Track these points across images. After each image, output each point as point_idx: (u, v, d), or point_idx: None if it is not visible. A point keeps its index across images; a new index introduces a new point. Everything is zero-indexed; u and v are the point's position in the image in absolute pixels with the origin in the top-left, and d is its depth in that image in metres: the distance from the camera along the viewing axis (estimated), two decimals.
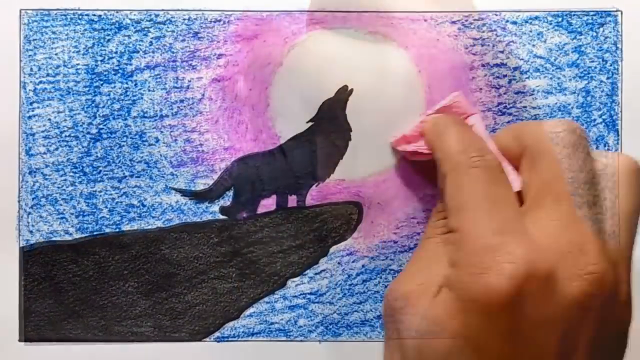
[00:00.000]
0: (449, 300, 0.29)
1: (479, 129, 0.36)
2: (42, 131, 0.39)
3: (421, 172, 0.39)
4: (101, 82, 0.39)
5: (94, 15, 0.39)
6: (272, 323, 0.40)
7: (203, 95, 0.40)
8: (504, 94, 0.39)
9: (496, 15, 0.39)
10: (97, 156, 0.40)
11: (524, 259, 0.28)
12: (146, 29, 0.39)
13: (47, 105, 0.39)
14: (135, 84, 0.39)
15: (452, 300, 0.29)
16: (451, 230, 0.31)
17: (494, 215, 0.29)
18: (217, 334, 0.40)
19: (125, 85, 0.39)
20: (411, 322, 0.30)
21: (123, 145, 0.40)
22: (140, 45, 0.39)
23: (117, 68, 0.39)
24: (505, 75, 0.39)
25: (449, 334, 0.28)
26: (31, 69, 0.39)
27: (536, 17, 0.39)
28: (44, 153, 0.39)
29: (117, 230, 0.40)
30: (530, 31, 0.39)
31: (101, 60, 0.39)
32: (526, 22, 0.39)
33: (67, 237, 0.40)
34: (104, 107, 0.39)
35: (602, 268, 0.28)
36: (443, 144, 0.33)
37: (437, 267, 0.31)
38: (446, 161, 0.33)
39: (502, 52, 0.39)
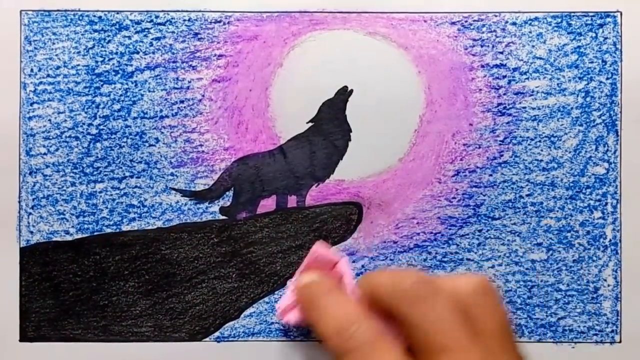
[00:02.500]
0: None
1: (347, 279, 0.35)
2: (43, 131, 0.39)
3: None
4: (101, 83, 0.39)
5: (94, 15, 0.39)
6: (271, 323, 0.40)
7: (203, 95, 0.40)
8: (504, 94, 0.39)
9: (496, 16, 0.39)
10: (97, 156, 0.40)
11: None
12: (146, 30, 0.39)
13: (48, 106, 0.39)
14: (136, 85, 0.39)
15: None
16: None
17: None
18: (216, 334, 0.40)
19: (126, 86, 0.39)
20: None
21: (123, 146, 0.40)
22: (140, 45, 0.39)
23: (117, 68, 0.39)
24: (505, 76, 0.39)
25: None
26: (31, 70, 0.39)
27: (536, 18, 0.39)
28: (44, 153, 0.40)
29: (117, 230, 0.40)
30: (530, 32, 0.39)
31: (101, 61, 0.39)
32: (526, 23, 0.39)
33: (68, 237, 0.40)
34: (104, 107, 0.40)
35: None
36: (317, 323, 0.33)
37: None
38: (326, 345, 0.32)
39: (501, 52, 0.39)
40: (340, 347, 0.31)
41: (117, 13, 0.39)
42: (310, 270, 0.36)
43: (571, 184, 0.39)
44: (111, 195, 0.40)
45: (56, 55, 0.39)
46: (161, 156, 0.40)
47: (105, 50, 0.39)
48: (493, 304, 0.30)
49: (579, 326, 0.40)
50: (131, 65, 0.39)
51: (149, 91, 0.39)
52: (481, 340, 0.29)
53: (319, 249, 0.36)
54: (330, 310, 0.32)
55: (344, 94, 0.39)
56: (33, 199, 0.39)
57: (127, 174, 0.40)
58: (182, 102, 0.40)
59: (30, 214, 0.39)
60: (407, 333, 0.30)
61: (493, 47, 0.39)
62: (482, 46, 0.39)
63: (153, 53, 0.39)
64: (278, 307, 0.37)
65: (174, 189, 0.40)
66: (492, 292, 0.31)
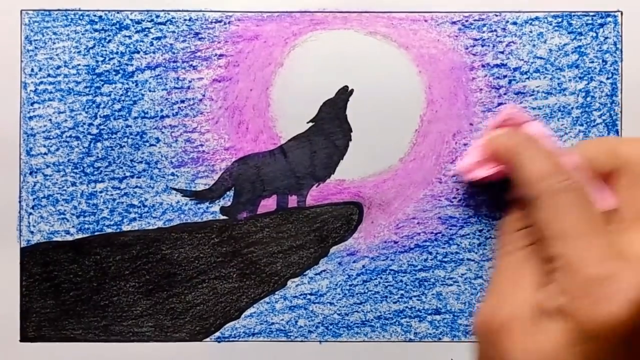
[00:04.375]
0: (561, 331, 0.28)
1: (548, 139, 0.35)
2: (43, 131, 0.39)
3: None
4: (102, 82, 0.39)
5: (95, 15, 0.39)
6: (272, 323, 0.40)
7: (204, 95, 0.40)
8: (504, 94, 0.39)
9: (496, 15, 0.39)
10: (97, 156, 0.40)
11: None
12: (147, 29, 0.39)
13: (48, 106, 0.39)
14: (136, 84, 0.39)
15: (567, 331, 0.28)
16: (552, 257, 0.30)
17: (599, 241, 0.29)
18: (217, 334, 0.40)
19: (126, 86, 0.39)
20: (512, 352, 0.29)
21: (124, 146, 0.40)
22: (141, 45, 0.39)
23: (117, 68, 0.39)
24: (505, 76, 0.39)
25: None
26: (32, 69, 0.39)
27: (536, 18, 0.39)
28: (45, 153, 0.39)
29: (118, 230, 0.40)
30: (531, 32, 0.39)
31: (102, 61, 0.39)
32: (526, 22, 0.39)
33: (68, 237, 0.40)
34: (104, 107, 0.39)
35: None
36: (524, 166, 0.32)
37: (525, 289, 0.31)
38: (531, 185, 0.32)
39: (502, 52, 0.39)
40: (554, 187, 0.31)
41: (118, 12, 0.39)
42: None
43: None
44: (112, 195, 0.40)
45: (57, 54, 0.39)
46: (162, 156, 0.40)
47: (106, 50, 0.39)
48: None
49: None
50: (132, 64, 0.39)
51: (150, 91, 0.39)
52: None
53: (510, 109, 0.37)
54: (541, 156, 0.32)
55: (345, 93, 0.39)
56: (33, 199, 0.39)
57: (128, 173, 0.40)
58: (182, 101, 0.40)
59: (30, 214, 0.39)
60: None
61: (494, 46, 0.39)
62: (482, 46, 0.39)
63: (154, 53, 0.39)
64: (460, 167, 0.38)
65: (174, 189, 0.40)
66: None
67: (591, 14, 0.39)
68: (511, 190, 0.35)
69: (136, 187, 0.40)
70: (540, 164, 0.32)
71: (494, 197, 0.40)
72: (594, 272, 0.28)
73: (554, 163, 0.32)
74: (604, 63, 0.39)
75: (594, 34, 0.39)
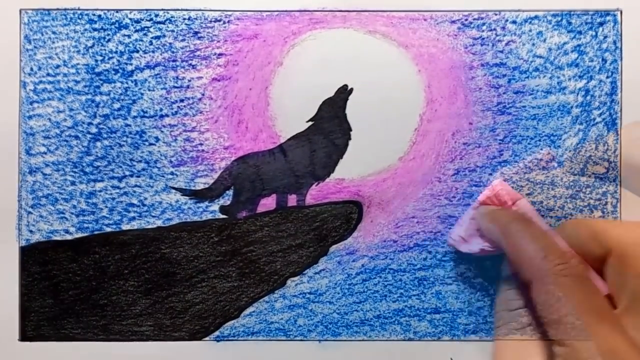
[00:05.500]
0: None
1: (537, 219, 0.35)
2: (42, 130, 0.39)
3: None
4: (101, 82, 0.39)
5: (94, 14, 0.39)
6: (271, 322, 0.40)
7: (203, 94, 0.40)
8: (504, 93, 0.39)
9: (496, 14, 0.39)
10: (97, 155, 0.40)
11: None
12: (146, 28, 0.39)
13: (47, 105, 0.39)
14: (135, 83, 0.39)
15: None
16: (553, 341, 0.30)
17: (602, 329, 0.29)
18: (216, 333, 0.40)
19: (125, 85, 0.39)
20: None
21: (123, 145, 0.40)
22: (140, 44, 0.39)
23: (117, 67, 0.39)
24: (504, 75, 0.39)
25: None
26: (31, 69, 0.39)
27: (536, 17, 0.39)
28: (44, 152, 0.39)
29: (117, 229, 0.40)
30: (530, 30, 0.39)
31: (101, 60, 0.39)
32: (526, 21, 0.39)
33: (67, 236, 0.40)
34: (104, 106, 0.39)
35: None
36: (519, 247, 0.32)
37: None
38: (531, 267, 0.31)
39: (501, 51, 0.39)
40: (551, 270, 0.30)
41: (117, 12, 0.39)
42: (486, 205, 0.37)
43: (571, 183, 0.39)
44: (111, 194, 0.40)
45: (56, 54, 0.39)
46: (161, 155, 0.40)
47: (105, 49, 0.39)
48: None
49: None
50: (131, 64, 0.39)
51: (149, 90, 0.39)
52: None
53: (500, 185, 0.36)
54: (536, 238, 0.32)
55: (344, 92, 0.39)
56: (33, 198, 0.39)
57: (127, 173, 0.40)
58: (182, 101, 0.40)
59: (30, 213, 0.39)
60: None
61: (493, 45, 0.39)
62: (482, 45, 0.39)
63: (153, 52, 0.39)
64: (453, 240, 0.38)
65: (174, 188, 0.40)
66: None
67: (591, 12, 0.39)
68: (506, 269, 0.35)
69: (135, 186, 0.40)
70: (537, 246, 0.32)
71: None
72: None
73: (552, 245, 0.32)
74: (603, 62, 0.39)
75: (594, 33, 0.39)
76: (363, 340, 0.40)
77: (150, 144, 0.40)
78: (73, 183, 0.40)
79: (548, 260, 0.31)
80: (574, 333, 0.29)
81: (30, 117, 0.39)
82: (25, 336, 0.39)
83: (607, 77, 0.39)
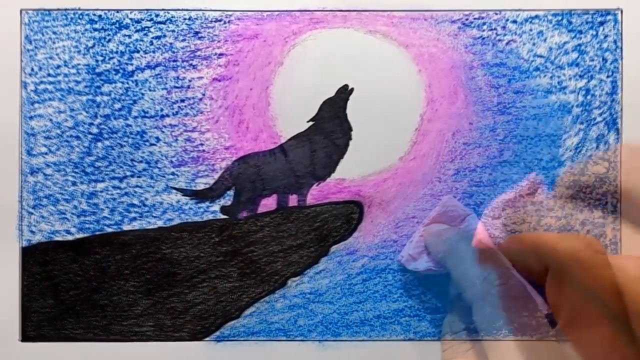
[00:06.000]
0: None
1: (483, 236, 0.35)
2: (43, 131, 0.39)
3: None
4: (102, 82, 0.39)
5: (95, 14, 0.39)
6: (272, 323, 0.40)
7: (204, 94, 0.40)
8: (504, 93, 0.39)
9: (496, 14, 0.39)
10: (98, 156, 0.40)
11: None
12: (147, 29, 0.40)
13: (48, 105, 0.39)
14: (136, 84, 0.39)
15: None
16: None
17: (534, 350, 0.29)
18: (217, 333, 0.40)
19: (126, 85, 0.39)
20: None
21: (124, 145, 0.40)
22: (140, 44, 0.39)
23: (117, 67, 0.39)
24: (505, 75, 0.39)
25: None
26: (32, 69, 0.39)
27: (536, 16, 0.39)
28: (45, 153, 0.40)
29: (118, 229, 0.40)
30: (531, 30, 0.39)
31: (102, 60, 0.39)
32: (526, 21, 0.39)
33: (68, 237, 0.40)
34: (104, 106, 0.40)
35: None
36: (462, 268, 0.32)
37: None
38: (470, 288, 0.32)
39: (502, 51, 0.39)
40: (489, 292, 0.31)
41: (117, 12, 0.39)
42: (437, 223, 0.37)
43: (571, 183, 0.39)
44: (112, 194, 0.40)
45: (56, 54, 0.39)
46: (162, 155, 0.40)
47: (106, 49, 0.39)
48: None
49: None
50: (132, 64, 0.39)
51: (150, 90, 0.40)
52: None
53: (449, 202, 0.37)
54: (481, 254, 0.32)
55: (345, 92, 0.39)
56: (34, 199, 0.39)
57: (128, 173, 0.40)
58: (182, 101, 0.40)
59: (31, 213, 0.39)
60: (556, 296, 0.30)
61: (493, 45, 0.39)
62: (482, 44, 0.39)
63: (153, 52, 0.39)
64: (401, 256, 0.39)
65: (174, 188, 0.40)
66: None
67: (591, 12, 0.39)
68: (453, 289, 0.35)
69: (136, 186, 0.40)
70: (479, 266, 0.32)
71: (494, 196, 0.39)
72: None
73: (492, 265, 0.32)
74: (604, 61, 0.39)
75: (594, 32, 0.39)
76: (363, 340, 0.40)
77: (151, 144, 0.40)
78: (74, 183, 0.40)
79: (488, 281, 0.31)
80: (509, 355, 0.29)
81: (31, 118, 0.39)
82: (26, 336, 0.39)
83: (608, 77, 0.39)
